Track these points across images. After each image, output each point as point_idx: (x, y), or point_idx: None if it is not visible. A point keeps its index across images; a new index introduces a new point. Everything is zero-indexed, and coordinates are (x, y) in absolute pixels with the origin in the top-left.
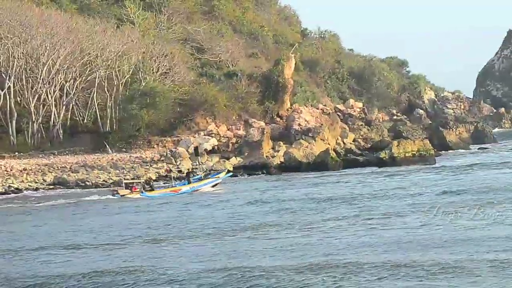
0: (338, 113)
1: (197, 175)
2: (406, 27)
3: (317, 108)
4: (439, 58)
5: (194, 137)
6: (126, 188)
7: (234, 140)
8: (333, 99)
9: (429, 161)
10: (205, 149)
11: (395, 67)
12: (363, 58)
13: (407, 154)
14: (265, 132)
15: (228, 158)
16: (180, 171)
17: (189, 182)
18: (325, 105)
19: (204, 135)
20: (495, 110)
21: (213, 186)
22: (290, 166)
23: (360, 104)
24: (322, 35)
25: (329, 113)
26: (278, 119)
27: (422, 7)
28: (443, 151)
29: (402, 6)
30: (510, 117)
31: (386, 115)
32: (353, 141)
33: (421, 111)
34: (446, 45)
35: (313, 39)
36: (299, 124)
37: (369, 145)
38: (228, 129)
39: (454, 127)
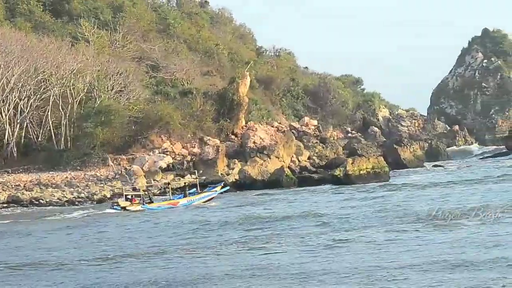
0: (293, 131)
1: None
2: (360, 45)
3: (272, 126)
4: (394, 76)
5: (149, 155)
6: (126, 200)
7: (189, 158)
8: (288, 116)
9: (384, 179)
10: (160, 167)
11: (350, 85)
12: (318, 76)
13: (361, 172)
14: (220, 150)
15: (183, 176)
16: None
17: (185, 196)
18: (280, 123)
19: (159, 153)
20: (449, 128)
21: (207, 200)
22: (245, 184)
23: (315, 122)
24: (277, 53)
25: (284, 130)
26: (233, 137)
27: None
28: (399, 169)
29: (358, 24)
30: (464, 135)
31: (341, 133)
32: (308, 159)
33: (375, 129)
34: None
35: (268, 57)
36: (254, 142)
37: (324, 163)
38: (183, 147)
39: (409, 144)
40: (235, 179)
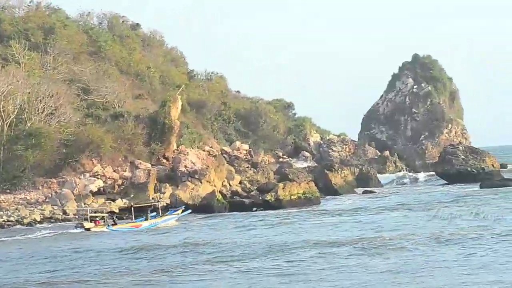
0: (225, 155)
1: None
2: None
3: (203, 150)
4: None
5: (80, 178)
6: (91, 221)
7: (120, 181)
8: (219, 141)
9: (315, 204)
10: (91, 191)
11: (282, 109)
12: (249, 100)
13: (292, 197)
14: (151, 174)
15: (114, 200)
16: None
17: (146, 219)
18: (211, 147)
19: (90, 176)
20: (379, 153)
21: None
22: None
23: (247, 146)
24: (209, 77)
25: (216, 155)
26: (164, 160)
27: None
28: (330, 195)
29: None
30: (394, 160)
31: (272, 157)
32: (239, 183)
33: (307, 154)
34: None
35: (200, 81)
36: (185, 166)
37: (255, 187)
38: (114, 171)
39: (340, 169)
40: (166, 203)
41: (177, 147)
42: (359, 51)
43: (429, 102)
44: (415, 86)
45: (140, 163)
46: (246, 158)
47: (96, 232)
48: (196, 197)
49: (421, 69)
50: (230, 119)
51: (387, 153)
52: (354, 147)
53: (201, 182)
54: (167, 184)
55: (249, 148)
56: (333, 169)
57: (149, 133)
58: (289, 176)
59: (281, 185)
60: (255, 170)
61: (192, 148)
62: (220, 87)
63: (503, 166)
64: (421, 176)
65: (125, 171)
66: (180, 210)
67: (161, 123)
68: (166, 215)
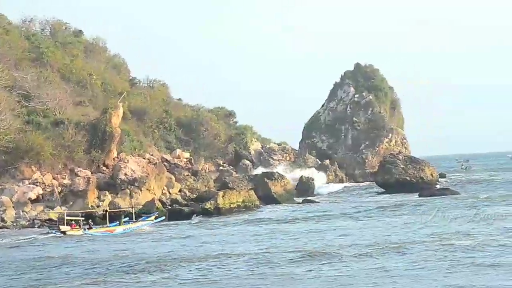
0: (165, 163)
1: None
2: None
3: (144, 158)
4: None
5: (19, 185)
6: (67, 224)
7: (59, 189)
8: (160, 148)
9: (253, 212)
10: (30, 198)
11: (223, 118)
12: (191, 108)
13: (232, 205)
14: (90, 181)
15: (52, 208)
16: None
17: (119, 224)
18: (152, 155)
19: (29, 183)
20: (320, 162)
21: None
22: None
23: (187, 154)
24: (151, 85)
25: (156, 163)
26: (104, 168)
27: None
28: (270, 203)
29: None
30: (335, 169)
31: (212, 166)
32: (179, 192)
33: (247, 162)
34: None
35: (141, 88)
36: (125, 174)
37: (195, 196)
38: (54, 178)
39: (280, 178)
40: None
41: (118, 154)
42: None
43: (370, 111)
44: (356, 95)
45: (80, 170)
46: (187, 166)
47: (71, 236)
48: (136, 205)
49: (363, 78)
50: (171, 127)
51: (327, 162)
52: (295, 155)
53: (140, 190)
54: (106, 191)
55: (190, 156)
56: (273, 178)
57: (90, 140)
58: (229, 185)
59: (221, 193)
60: (195, 178)
61: (133, 156)
62: (162, 95)
63: (442, 175)
64: (361, 185)
65: (65, 178)
66: (153, 217)
67: (102, 130)
68: (140, 221)
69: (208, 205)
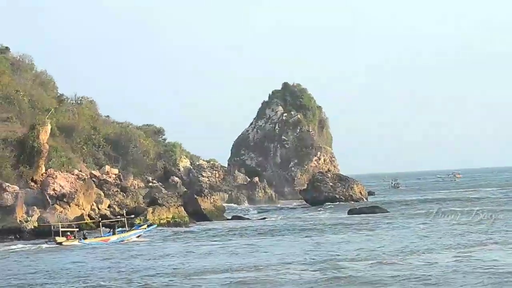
0: (94, 179)
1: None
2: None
3: (73, 174)
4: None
5: None
6: (62, 235)
7: None
8: (89, 165)
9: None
10: None
11: (152, 135)
12: (119, 125)
13: (162, 221)
14: (19, 197)
15: None
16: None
17: (113, 233)
18: (80, 171)
19: None
20: (249, 179)
21: (137, 237)
22: (44, 232)
23: (116, 171)
24: (79, 101)
25: (85, 178)
26: (32, 184)
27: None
28: (199, 221)
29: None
30: (264, 186)
31: (141, 182)
32: (108, 207)
33: (176, 179)
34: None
35: (69, 105)
36: (54, 189)
37: (124, 211)
38: None
39: (209, 195)
40: (34, 226)
41: (46, 170)
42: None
43: (298, 130)
44: (284, 114)
45: (8, 186)
46: (116, 182)
47: (67, 246)
48: (65, 220)
49: (291, 97)
50: (99, 143)
51: (256, 179)
52: (224, 173)
53: (69, 206)
54: (35, 207)
55: (119, 173)
56: (203, 194)
57: (18, 156)
58: (159, 201)
59: (150, 209)
60: (125, 194)
61: (61, 172)
62: (90, 112)
63: (370, 193)
64: (290, 203)
65: None
66: (145, 226)
67: (29, 146)
68: (133, 229)
69: (138, 220)
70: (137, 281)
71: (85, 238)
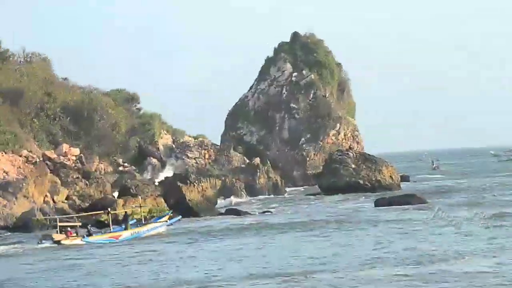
0: (48, 162)
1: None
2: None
3: (20, 156)
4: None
5: None
6: (61, 232)
7: None
8: (41, 143)
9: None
10: None
11: (123, 103)
12: (81, 90)
13: (136, 216)
14: None
15: None
16: None
17: (126, 228)
18: (30, 151)
19: None
20: (248, 161)
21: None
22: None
23: (77, 151)
24: (28, 59)
25: (36, 162)
26: None
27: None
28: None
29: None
30: (267, 170)
31: (110, 165)
32: (66, 199)
33: (154, 161)
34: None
35: (16, 64)
36: None
37: (87, 204)
38: None
39: (197, 182)
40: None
41: None
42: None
43: (312, 95)
44: (294, 74)
45: None
46: (76, 166)
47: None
48: (9, 216)
49: (303, 52)
50: (55, 115)
51: (257, 160)
52: (216, 152)
53: (16, 198)
54: None
55: (80, 153)
56: (188, 181)
57: None
58: (131, 190)
59: (120, 201)
60: (88, 182)
61: (5, 153)
62: (43, 73)
63: (404, 178)
64: (300, 192)
65: None
66: (167, 217)
67: None
68: (150, 223)
69: (105, 216)
70: None
71: (90, 234)
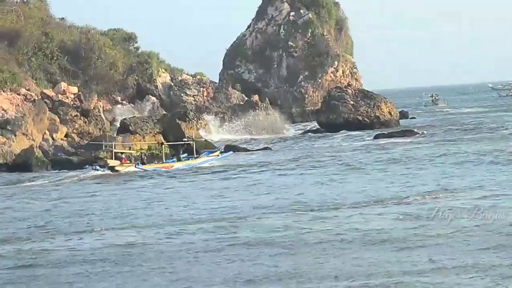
0: (46, 100)
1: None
2: None
3: (19, 94)
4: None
5: None
6: (116, 158)
7: None
8: (39, 82)
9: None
10: None
11: (121, 42)
12: (78, 30)
13: (135, 153)
14: None
15: None
16: None
17: (178, 159)
18: (28, 90)
19: None
20: (246, 98)
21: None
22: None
23: (75, 89)
24: (25, 0)
25: (34, 99)
26: None
27: None
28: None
29: None
30: (266, 107)
31: (108, 103)
32: (65, 137)
33: (153, 99)
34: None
35: (13, 5)
36: None
37: (86, 142)
38: None
39: (195, 119)
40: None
41: None
42: None
43: (310, 33)
44: (292, 13)
45: None
46: (75, 104)
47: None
48: (9, 154)
49: None
50: (53, 54)
51: (256, 97)
52: (214, 90)
53: (15, 135)
54: None
55: (79, 92)
56: (187, 119)
57: None
58: (130, 127)
59: (120, 138)
60: (86, 120)
61: (3, 92)
62: (40, 13)
63: (403, 114)
64: (299, 128)
65: None
66: (218, 152)
67: None
68: (202, 156)
69: (104, 153)
70: None
71: (143, 163)
